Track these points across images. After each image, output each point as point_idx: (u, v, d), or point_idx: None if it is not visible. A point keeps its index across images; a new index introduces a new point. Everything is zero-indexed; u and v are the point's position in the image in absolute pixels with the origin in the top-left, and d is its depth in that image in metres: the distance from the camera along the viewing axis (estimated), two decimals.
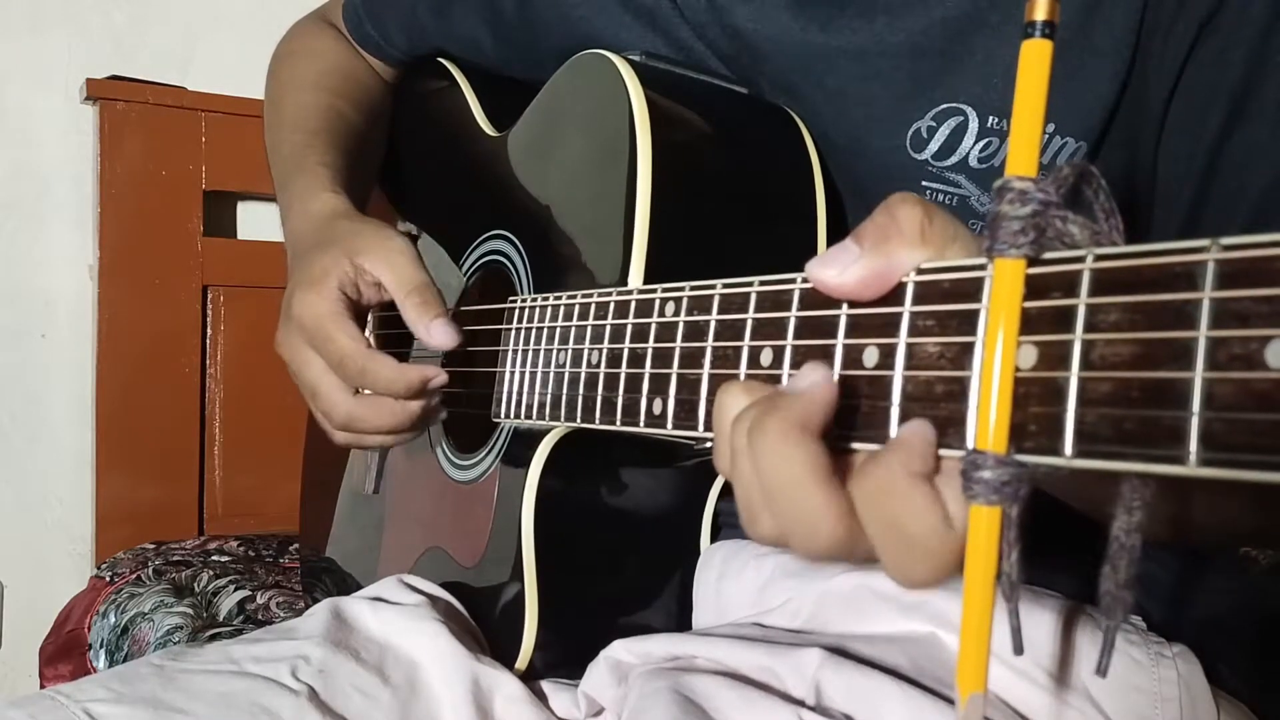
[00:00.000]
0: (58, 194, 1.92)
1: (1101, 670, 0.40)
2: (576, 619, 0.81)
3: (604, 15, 0.91)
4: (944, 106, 0.75)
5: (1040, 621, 0.67)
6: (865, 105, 0.78)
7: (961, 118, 0.74)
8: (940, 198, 0.77)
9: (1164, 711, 0.64)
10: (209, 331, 1.91)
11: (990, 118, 0.74)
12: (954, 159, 0.75)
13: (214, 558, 1.63)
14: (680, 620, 0.85)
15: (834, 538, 0.42)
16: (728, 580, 0.81)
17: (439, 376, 0.81)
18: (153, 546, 1.70)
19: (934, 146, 0.75)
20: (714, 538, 0.85)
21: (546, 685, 0.80)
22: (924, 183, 0.77)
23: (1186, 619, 0.72)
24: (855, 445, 0.44)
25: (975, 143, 0.74)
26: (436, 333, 0.80)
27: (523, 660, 0.78)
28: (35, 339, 1.92)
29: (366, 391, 0.82)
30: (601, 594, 0.82)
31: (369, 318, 0.89)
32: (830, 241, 0.80)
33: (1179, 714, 0.64)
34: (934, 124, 0.75)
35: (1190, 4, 0.67)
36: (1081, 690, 0.65)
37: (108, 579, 1.58)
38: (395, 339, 0.91)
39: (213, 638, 1.10)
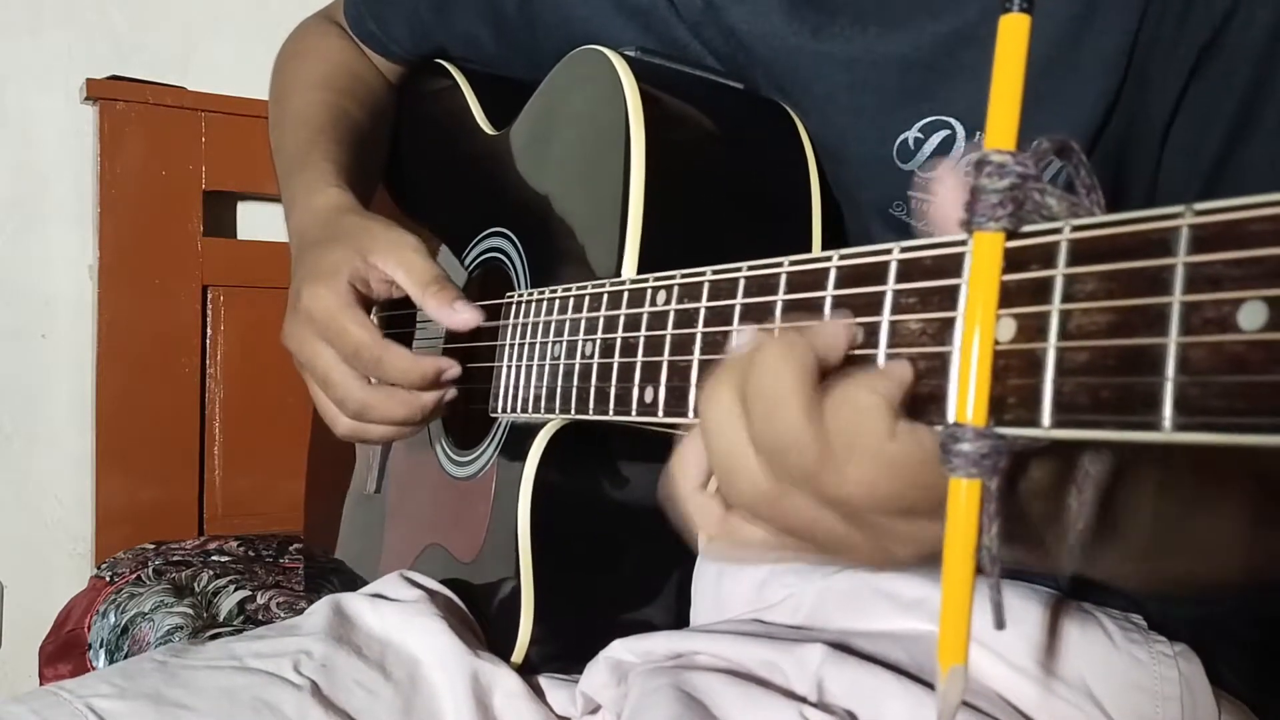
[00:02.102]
0: (58, 194, 1.92)
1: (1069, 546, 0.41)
2: (573, 613, 0.81)
3: (601, 16, 0.91)
4: (931, 119, 0.74)
5: (1034, 615, 0.67)
6: (853, 114, 0.78)
7: (949, 131, 0.74)
8: (925, 207, 0.77)
9: (1165, 710, 0.64)
10: (209, 331, 1.91)
11: (977, 132, 0.73)
12: None
13: (214, 558, 1.63)
14: (679, 616, 0.85)
15: (806, 450, 0.43)
16: (727, 576, 0.81)
17: (452, 368, 0.81)
18: (153, 546, 1.71)
19: (921, 158, 0.75)
20: None
21: (544, 681, 0.80)
22: (909, 192, 0.77)
23: (1186, 618, 0.72)
24: None
25: (962, 157, 0.74)
26: (462, 313, 0.80)
27: (519, 654, 0.78)
28: (35, 339, 1.93)
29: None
30: (598, 588, 0.82)
31: (372, 315, 0.89)
32: (824, 234, 0.80)
33: (1180, 713, 0.65)
34: (921, 136, 0.75)
35: (1191, 27, 0.66)
36: (1082, 688, 0.65)
37: (108, 579, 1.59)
38: (398, 336, 0.92)
39: (213, 638, 1.10)
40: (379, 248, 0.83)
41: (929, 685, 0.64)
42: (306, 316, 0.82)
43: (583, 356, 0.68)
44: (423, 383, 0.81)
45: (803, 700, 0.65)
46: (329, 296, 0.81)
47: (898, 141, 0.76)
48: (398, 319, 1.03)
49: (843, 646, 0.68)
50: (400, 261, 0.82)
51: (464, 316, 0.80)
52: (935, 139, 0.74)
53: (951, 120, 0.74)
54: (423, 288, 0.81)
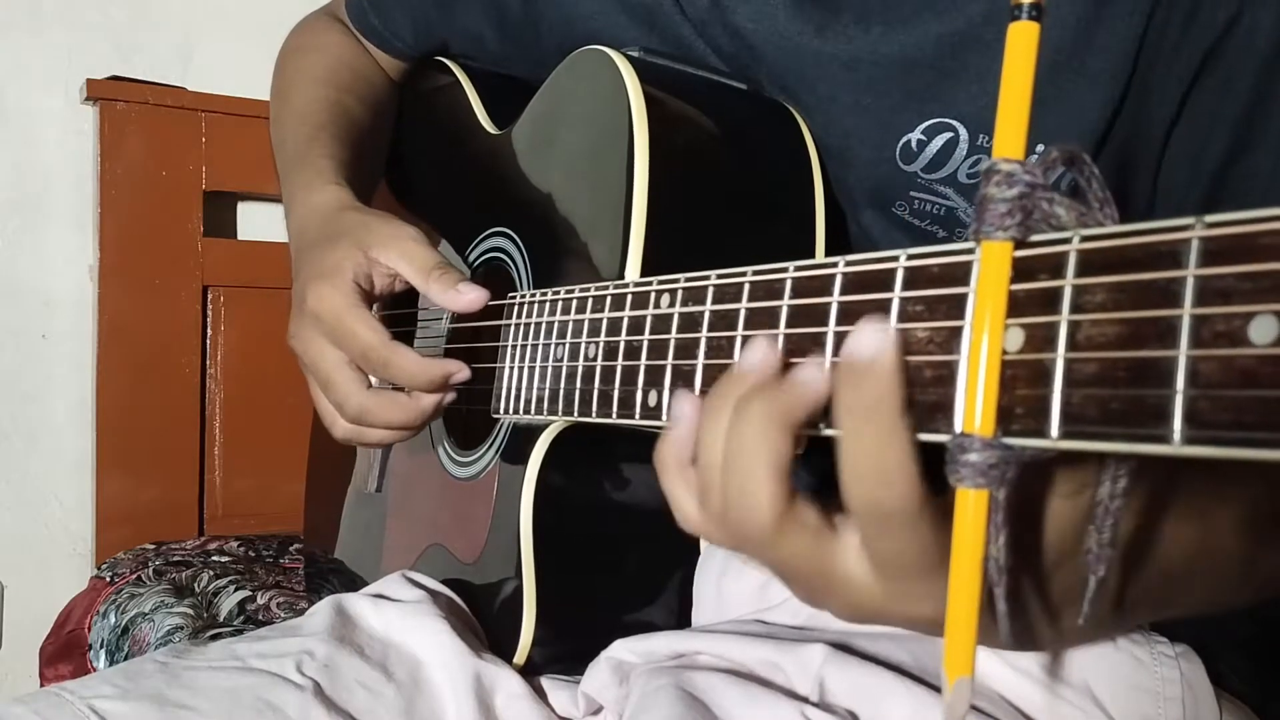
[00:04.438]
0: (58, 194, 1.92)
1: (1085, 619, 0.41)
2: (575, 614, 0.81)
3: (604, 15, 0.91)
4: (935, 121, 0.74)
5: None
6: (856, 114, 0.78)
7: (952, 134, 0.74)
8: (928, 207, 0.76)
9: (1167, 711, 0.64)
10: (209, 331, 1.91)
11: (981, 135, 0.73)
12: (943, 173, 0.74)
13: (214, 558, 1.63)
14: (680, 617, 0.84)
15: (762, 525, 0.44)
16: (729, 577, 0.81)
17: (462, 371, 0.81)
18: (153, 547, 1.71)
19: (924, 160, 0.75)
20: None
21: (546, 682, 0.80)
22: (912, 193, 0.76)
23: (1187, 619, 0.72)
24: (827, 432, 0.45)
25: (965, 159, 0.74)
26: (467, 293, 0.79)
27: (521, 655, 0.78)
28: (35, 339, 1.93)
29: (374, 383, 0.83)
30: (600, 589, 0.82)
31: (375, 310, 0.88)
32: (828, 236, 0.80)
33: (1181, 714, 0.64)
34: (924, 138, 0.74)
35: (1194, 32, 0.66)
36: (1083, 689, 0.65)
37: (108, 579, 1.59)
38: (399, 336, 0.91)
39: (213, 638, 1.10)
40: (379, 241, 0.83)
41: (931, 686, 0.64)
42: (314, 317, 0.82)
43: (585, 359, 0.68)
44: (430, 386, 0.80)
45: (804, 700, 0.65)
46: (335, 296, 0.81)
47: (900, 143, 0.75)
48: (398, 318, 1.03)
49: (844, 646, 0.68)
50: (402, 253, 0.82)
51: (470, 297, 0.79)
52: (938, 141, 0.74)
53: (955, 123, 0.74)
54: (425, 274, 0.81)
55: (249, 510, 1.92)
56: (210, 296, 1.91)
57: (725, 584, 0.82)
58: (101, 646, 1.46)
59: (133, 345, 1.85)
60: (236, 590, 1.45)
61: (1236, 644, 0.74)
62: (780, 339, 0.49)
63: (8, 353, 1.91)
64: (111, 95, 1.83)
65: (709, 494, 0.47)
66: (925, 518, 0.40)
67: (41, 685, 1.52)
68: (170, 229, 1.87)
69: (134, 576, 1.54)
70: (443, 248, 1.03)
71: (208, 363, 1.92)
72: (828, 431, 0.44)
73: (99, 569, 1.67)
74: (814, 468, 0.51)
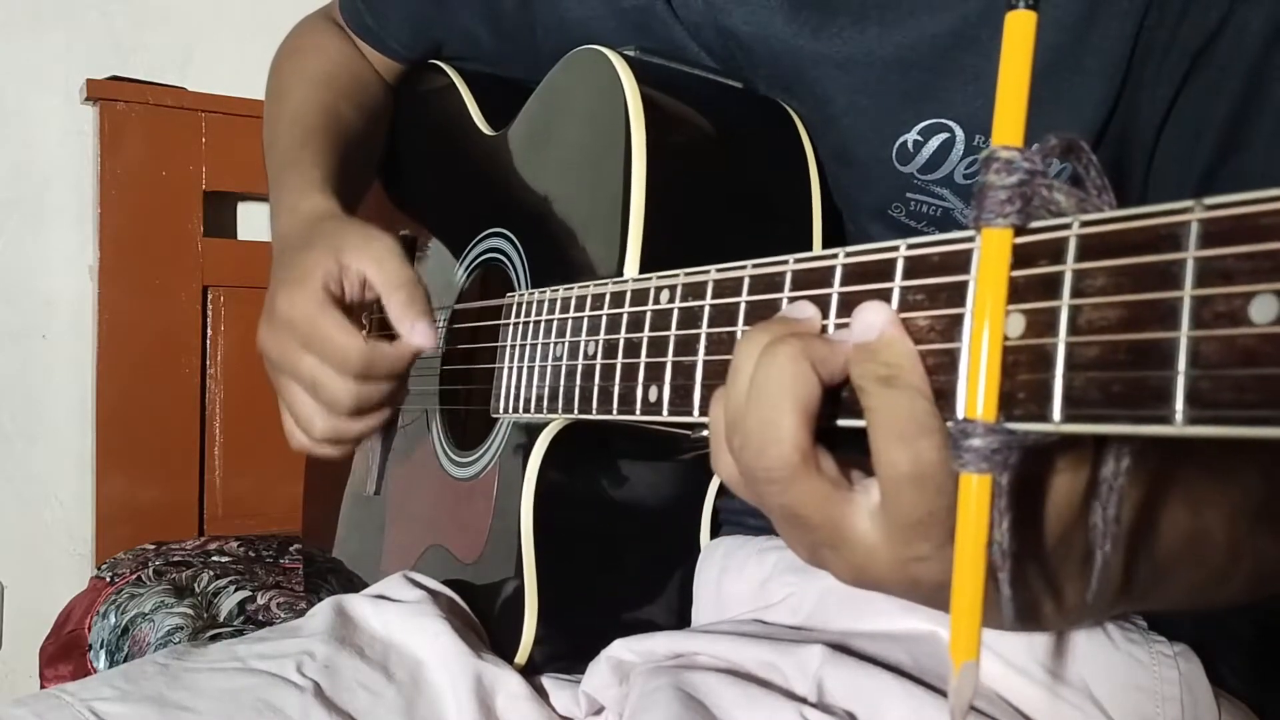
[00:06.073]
0: (58, 194, 1.92)
1: (1090, 596, 0.41)
2: (576, 613, 0.81)
3: (598, 18, 0.91)
4: (931, 121, 0.74)
5: None
6: (852, 115, 0.78)
7: (948, 135, 0.74)
8: (924, 208, 0.77)
9: (1165, 711, 0.64)
10: (209, 331, 1.91)
11: (977, 136, 0.73)
12: (939, 174, 0.75)
13: (214, 558, 1.63)
14: (680, 615, 0.85)
15: (782, 459, 0.44)
16: (729, 575, 0.81)
17: (430, 345, 0.83)
18: (153, 547, 1.70)
19: (920, 160, 0.75)
20: (713, 535, 0.85)
21: (547, 682, 0.80)
22: (908, 194, 0.77)
23: (1187, 618, 0.72)
24: (842, 423, 0.45)
25: (961, 160, 0.74)
26: (418, 334, 0.81)
27: (522, 654, 0.78)
28: (35, 339, 1.93)
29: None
30: (601, 588, 0.82)
31: (364, 319, 0.89)
32: (825, 231, 0.80)
33: (1180, 713, 0.64)
34: (920, 139, 0.75)
35: (1184, 34, 0.66)
36: (1083, 689, 0.65)
37: (108, 579, 1.58)
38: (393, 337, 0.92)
39: (213, 638, 1.10)
40: (352, 246, 0.83)
41: (930, 686, 0.64)
42: (285, 323, 0.82)
43: (585, 357, 0.68)
44: (406, 368, 0.83)
45: (803, 701, 0.65)
46: (306, 303, 0.81)
47: (897, 144, 0.76)
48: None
49: (843, 647, 0.68)
50: (373, 260, 0.82)
51: (419, 339, 0.81)
52: (935, 142, 0.74)
53: (951, 124, 0.74)
54: (393, 289, 0.82)
55: (249, 510, 1.92)
56: (210, 296, 1.92)
57: (725, 583, 0.82)
58: (101, 647, 1.45)
59: (133, 345, 1.85)
60: (236, 590, 1.45)
61: (1236, 644, 0.74)
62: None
63: (8, 353, 1.91)
64: (111, 95, 1.83)
65: (733, 428, 0.46)
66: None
67: (41, 686, 1.52)
68: (170, 229, 1.87)
69: (134, 577, 1.54)
70: (440, 250, 1.03)
71: (208, 363, 1.92)
72: (851, 422, 0.44)
73: (99, 569, 1.66)
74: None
